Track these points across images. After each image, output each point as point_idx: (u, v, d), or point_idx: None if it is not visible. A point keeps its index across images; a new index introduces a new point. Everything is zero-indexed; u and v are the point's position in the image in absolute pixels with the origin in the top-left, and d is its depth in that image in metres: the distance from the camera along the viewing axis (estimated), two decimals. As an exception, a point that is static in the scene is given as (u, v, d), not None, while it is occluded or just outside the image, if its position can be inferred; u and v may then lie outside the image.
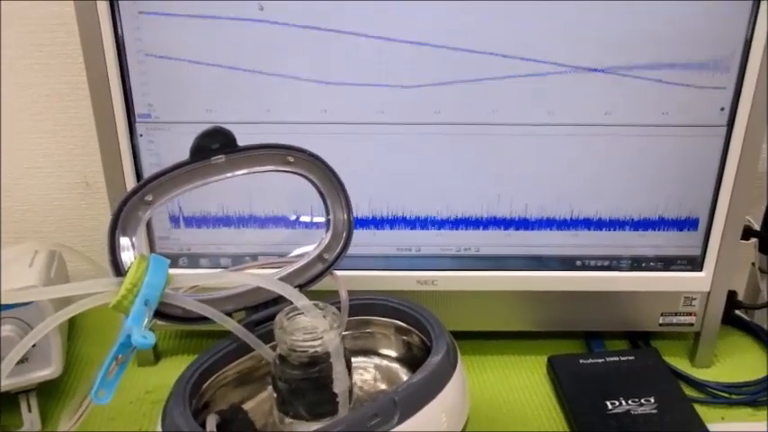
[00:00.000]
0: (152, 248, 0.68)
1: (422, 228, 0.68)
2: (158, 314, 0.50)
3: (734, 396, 0.69)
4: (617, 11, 0.60)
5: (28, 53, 0.78)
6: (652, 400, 0.64)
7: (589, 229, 0.69)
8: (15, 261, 0.66)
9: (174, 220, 0.68)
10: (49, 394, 0.67)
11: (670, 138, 0.65)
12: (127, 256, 0.50)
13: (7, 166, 0.83)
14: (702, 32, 0.61)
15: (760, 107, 0.63)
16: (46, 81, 0.79)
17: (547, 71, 0.62)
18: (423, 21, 0.61)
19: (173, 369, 0.71)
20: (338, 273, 0.59)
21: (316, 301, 0.51)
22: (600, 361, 0.70)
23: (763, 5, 0.60)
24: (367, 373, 0.60)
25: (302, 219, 0.68)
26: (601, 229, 0.69)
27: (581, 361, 0.70)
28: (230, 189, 0.66)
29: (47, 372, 0.61)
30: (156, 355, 0.74)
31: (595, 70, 0.62)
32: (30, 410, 0.63)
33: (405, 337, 0.59)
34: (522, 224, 0.68)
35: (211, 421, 0.46)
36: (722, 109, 0.64)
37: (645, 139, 0.65)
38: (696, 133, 0.65)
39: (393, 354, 0.60)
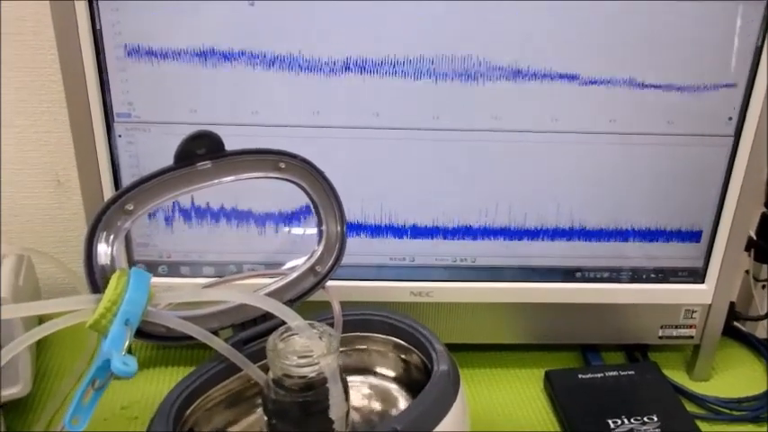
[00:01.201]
0: (130, 256, 0.64)
1: (416, 237, 0.65)
2: (139, 333, 0.47)
3: (735, 412, 0.67)
4: (624, 18, 0.58)
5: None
6: (655, 419, 0.62)
7: (589, 239, 0.66)
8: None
9: (155, 223, 0.64)
10: (15, 409, 0.62)
11: (675, 147, 0.63)
12: (105, 270, 0.47)
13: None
14: (711, 41, 0.59)
15: (769, 116, 0.61)
16: (15, 73, 0.74)
17: (551, 78, 0.60)
18: (422, 23, 0.58)
19: (149, 383, 0.68)
20: (330, 284, 0.56)
21: (311, 321, 0.47)
22: (599, 375, 0.68)
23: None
24: (361, 393, 0.56)
25: (290, 227, 0.64)
26: (601, 240, 0.66)
27: (579, 375, 0.68)
28: (215, 193, 0.62)
29: (14, 390, 0.58)
30: (132, 366, 0.70)
31: (601, 77, 0.60)
32: (-5, 429, 0.59)
33: (403, 356, 0.56)
34: (521, 234, 0.66)
35: (198, 451, 0.42)
36: (730, 119, 0.62)
37: (649, 147, 0.63)
38: (702, 143, 0.63)
39: (390, 373, 0.57)
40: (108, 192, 0.61)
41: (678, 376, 0.72)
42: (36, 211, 0.81)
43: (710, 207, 0.66)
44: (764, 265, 0.80)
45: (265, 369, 0.50)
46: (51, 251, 0.82)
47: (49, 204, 0.81)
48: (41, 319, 0.62)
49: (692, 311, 0.69)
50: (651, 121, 0.62)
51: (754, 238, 0.77)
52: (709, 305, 0.69)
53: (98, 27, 0.57)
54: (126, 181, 0.62)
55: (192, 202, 0.63)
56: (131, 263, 0.64)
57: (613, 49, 0.59)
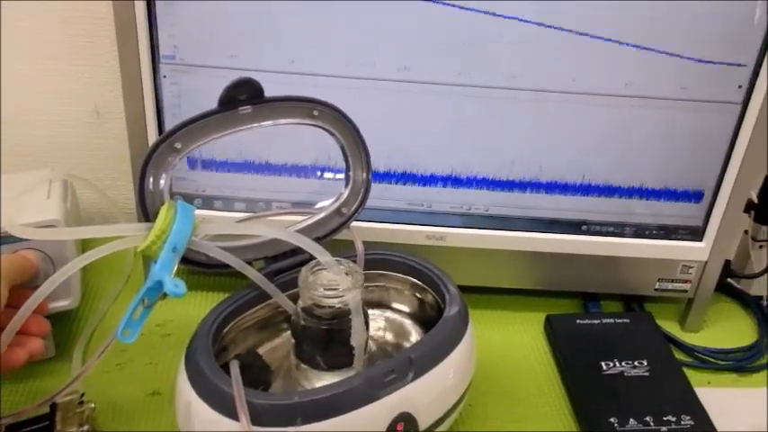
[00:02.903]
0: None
1: (435, 185, 0.69)
2: (182, 260, 0.52)
3: (721, 362, 0.72)
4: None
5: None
6: (645, 363, 0.67)
7: (597, 195, 0.70)
8: (31, 190, 0.66)
9: (192, 163, 0.68)
10: (60, 320, 0.68)
11: (686, 112, 0.66)
12: (154, 201, 0.51)
13: (17, 91, 0.82)
14: (725, 11, 0.62)
15: (777, 86, 0.64)
16: (62, 7, 0.77)
17: (571, 39, 0.63)
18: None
19: (181, 304, 0.72)
20: (353, 224, 0.61)
21: (338, 258, 0.52)
22: (596, 322, 0.73)
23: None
24: (378, 325, 0.62)
25: (319, 171, 0.68)
26: (608, 196, 0.70)
27: (578, 321, 0.73)
28: (250, 136, 0.66)
29: (66, 302, 0.63)
30: (165, 289, 0.75)
31: (619, 41, 0.63)
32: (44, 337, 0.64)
33: (418, 295, 0.61)
34: (533, 187, 0.70)
35: (234, 366, 0.48)
36: (740, 86, 0.65)
37: (661, 111, 0.66)
38: (711, 109, 0.66)
39: (405, 309, 0.62)
40: (152, 128, 0.65)
41: (671, 327, 0.77)
42: (74, 139, 0.85)
43: (714, 170, 0.69)
44: (762, 226, 0.83)
45: (293, 298, 0.55)
46: (88, 177, 0.86)
47: (87, 134, 0.85)
48: (84, 243, 0.68)
49: (689, 267, 0.74)
50: (666, 86, 0.65)
51: (755, 200, 0.81)
52: (705, 262, 0.73)
53: (147, -29, 0.60)
54: (168, 119, 0.66)
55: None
56: (170, 195, 0.69)
57: (632, 16, 0.62)
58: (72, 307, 0.63)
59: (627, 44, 0.63)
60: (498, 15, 0.62)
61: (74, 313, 0.70)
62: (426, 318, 0.60)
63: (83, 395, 0.55)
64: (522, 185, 0.70)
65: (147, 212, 0.51)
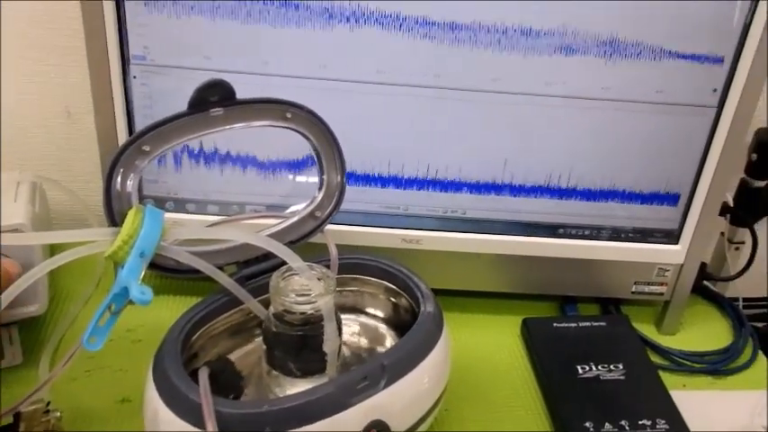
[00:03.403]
0: (140, 191, 0.68)
1: (411, 188, 0.69)
2: (151, 265, 0.51)
3: (696, 365, 0.73)
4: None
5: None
6: (620, 367, 0.67)
7: (574, 198, 0.70)
8: (-3, 193, 0.65)
9: (163, 163, 0.67)
10: (28, 326, 0.67)
11: (662, 115, 0.66)
12: (122, 205, 0.50)
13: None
14: (703, 16, 0.62)
15: (751, 90, 0.64)
16: (32, 6, 0.76)
17: (548, 43, 0.62)
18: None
19: (152, 309, 0.71)
20: (327, 228, 0.60)
21: (310, 263, 0.52)
22: (573, 325, 0.72)
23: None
24: (351, 330, 0.61)
25: (293, 173, 0.67)
26: (585, 200, 0.70)
27: (555, 324, 0.73)
28: (224, 138, 0.65)
29: (32, 308, 0.61)
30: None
31: (596, 45, 0.63)
32: (11, 343, 0.63)
33: (392, 299, 0.60)
34: (510, 190, 0.69)
35: (203, 374, 0.47)
36: (714, 90, 0.65)
37: (637, 115, 0.66)
38: (687, 112, 0.66)
39: (380, 314, 0.62)
40: (122, 130, 0.64)
41: (648, 329, 0.77)
42: (45, 140, 0.83)
43: (689, 173, 0.69)
44: (739, 229, 0.84)
45: (265, 304, 0.54)
46: (59, 177, 0.84)
47: (59, 134, 0.83)
48: (53, 246, 0.67)
49: (665, 270, 0.74)
50: (642, 90, 0.65)
51: (730, 203, 0.81)
52: (681, 265, 0.73)
53: (118, -30, 0.59)
54: (139, 120, 0.64)
55: (201, 148, 0.66)
56: (141, 198, 0.68)
57: (610, 20, 0.62)
58: (38, 313, 0.62)
59: (603, 48, 0.63)
60: (474, 18, 0.61)
61: (42, 318, 0.68)
62: (401, 322, 0.60)
63: (48, 404, 0.54)
64: (498, 188, 0.69)
65: (113, 216, 0.50)
